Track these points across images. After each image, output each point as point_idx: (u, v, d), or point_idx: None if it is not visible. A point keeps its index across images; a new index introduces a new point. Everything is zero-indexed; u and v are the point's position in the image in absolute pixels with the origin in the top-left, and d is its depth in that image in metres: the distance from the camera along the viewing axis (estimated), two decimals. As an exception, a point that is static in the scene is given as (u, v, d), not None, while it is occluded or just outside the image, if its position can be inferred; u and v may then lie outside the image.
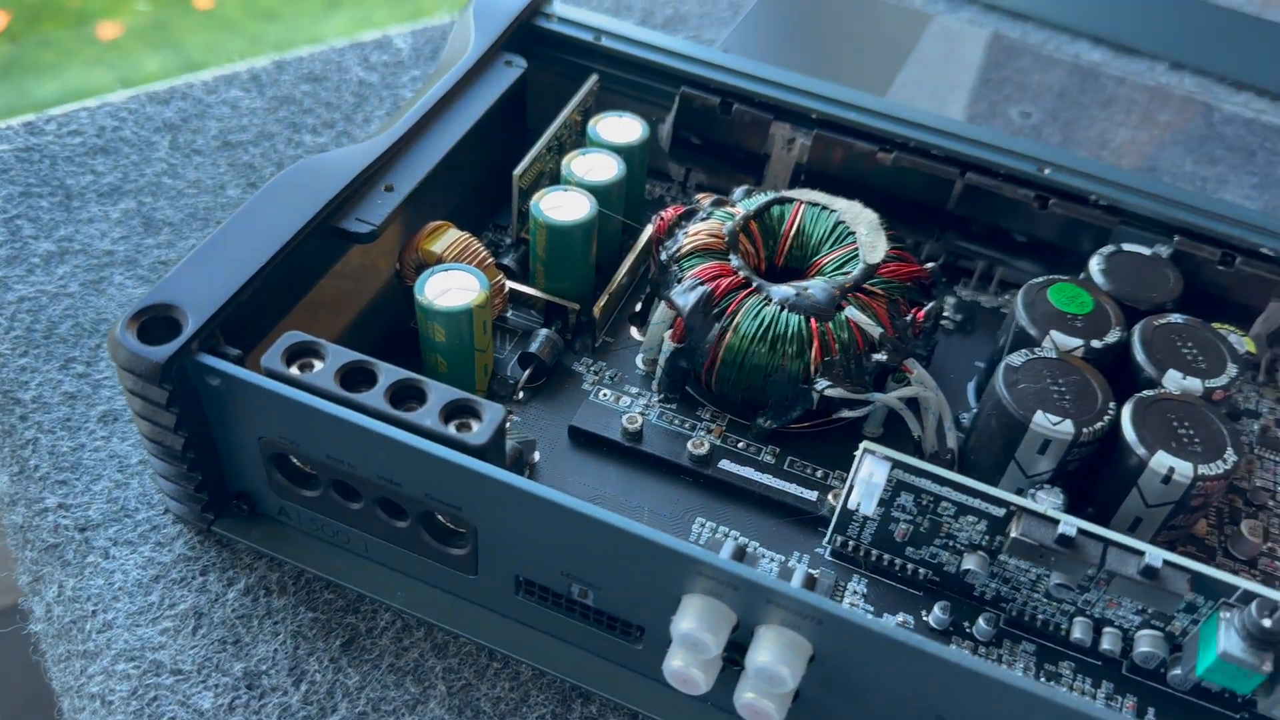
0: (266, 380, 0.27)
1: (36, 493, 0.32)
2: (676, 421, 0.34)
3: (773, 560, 0.31)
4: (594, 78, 0.39)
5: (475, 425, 0.27)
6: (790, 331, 0.32)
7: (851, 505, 0.29)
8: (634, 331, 0.37)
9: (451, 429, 0.27)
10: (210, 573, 0.31)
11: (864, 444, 0.28)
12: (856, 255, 0.34)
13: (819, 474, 0.33)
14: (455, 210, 0.37)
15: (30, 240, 0.39)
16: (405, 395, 0.28)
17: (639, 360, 0.36)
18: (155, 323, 0.28)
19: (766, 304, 0.32)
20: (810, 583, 0.27)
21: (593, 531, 0.26)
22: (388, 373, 0.28)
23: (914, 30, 0.54)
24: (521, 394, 0.34)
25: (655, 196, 0.42)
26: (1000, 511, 0.28)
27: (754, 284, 0.33)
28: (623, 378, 0.35)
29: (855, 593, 0.30)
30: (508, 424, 0.28)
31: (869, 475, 0.28)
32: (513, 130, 0.42)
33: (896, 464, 0.28)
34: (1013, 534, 0.28)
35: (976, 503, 0.28)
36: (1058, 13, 0.57)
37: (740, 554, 0.28)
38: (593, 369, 0.35)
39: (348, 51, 0.49)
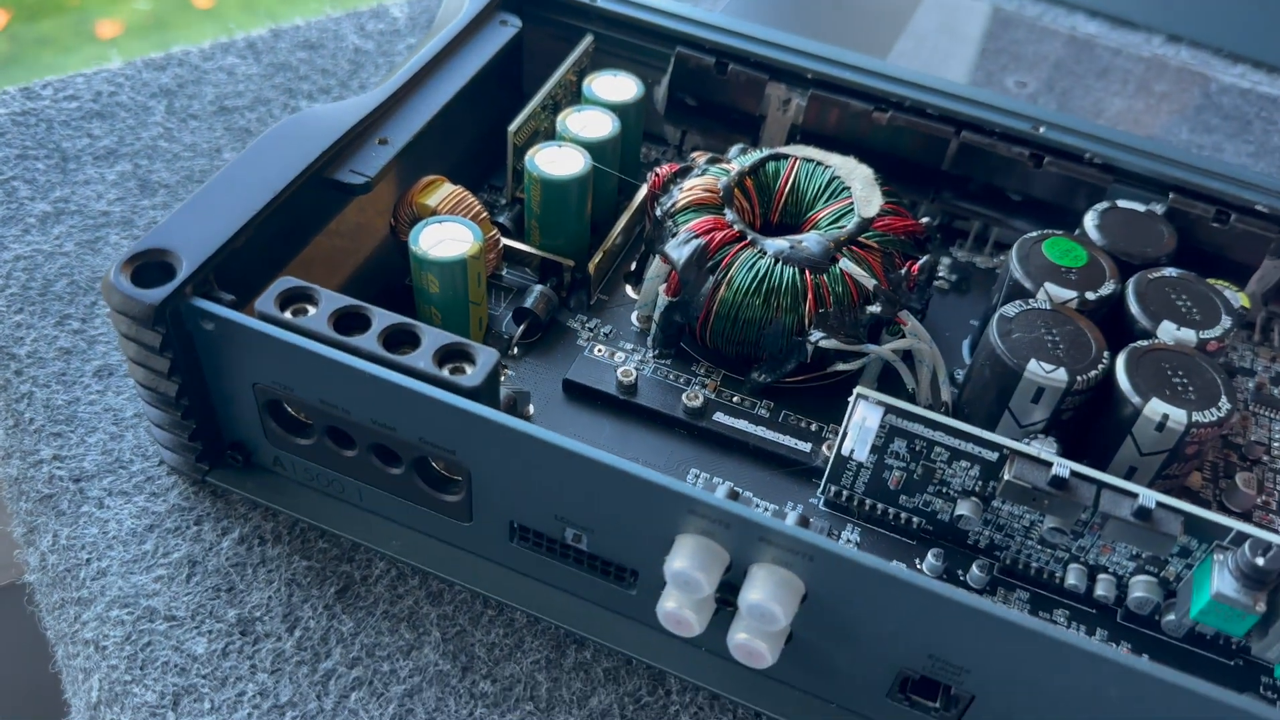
0: (260, 323, 0.27)
1: (31, 445, 0.32)
2: (671, 376, 0.34)
3: (766, 509, 0.31)
4: (589, 38, 0.39)
5: (469, 369, 0.27)
6: (784, 284, 0.32)
7: (845, 451, 0.29)
8: (629, 290, 0.37)
9: (445, 372, 0.27)
10: (204, 522, 0.31)
11: (857, 389, 0.28)
12: (851, 210, 0.34)
13: (813, 427, 0.33)
14: (450, 170, 0.37)
15: (26, 201, 0.39)
16: (399, 340, 0.28)
17: (634, 317, 0.36)
18: (149, 268, 0.28)
19: (761, 257, 0.32)
20: (804, 523, 0.28)
21: (586, 471, 0.26)
22: (381, 317, 0.28)
23: (911, 0, 0.54)
24: (516, 349, 0.34)
25: (651, 159, 0.42)
26: (994, 455, 0.28)
27: (748, 237, 0.33)
28: (617, 334, 0.35)
29: (849, 541, 0.30)
30: (502, 375, 0.28)
31: (862, 420, 0.28)
32: (508, 92, 0.42)
33: (890, 409, 0.28)
34: (1006, 477, 0.28)
35: (970, 447, 0.28)
36: (1054, -14, 0.57)
37: (733, 496, 0.28)
38: (587, 325, 0.35)
39: (344, 20, 0.49)
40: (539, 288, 0.35)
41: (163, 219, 0.39)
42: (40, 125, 0.42)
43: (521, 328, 0.34)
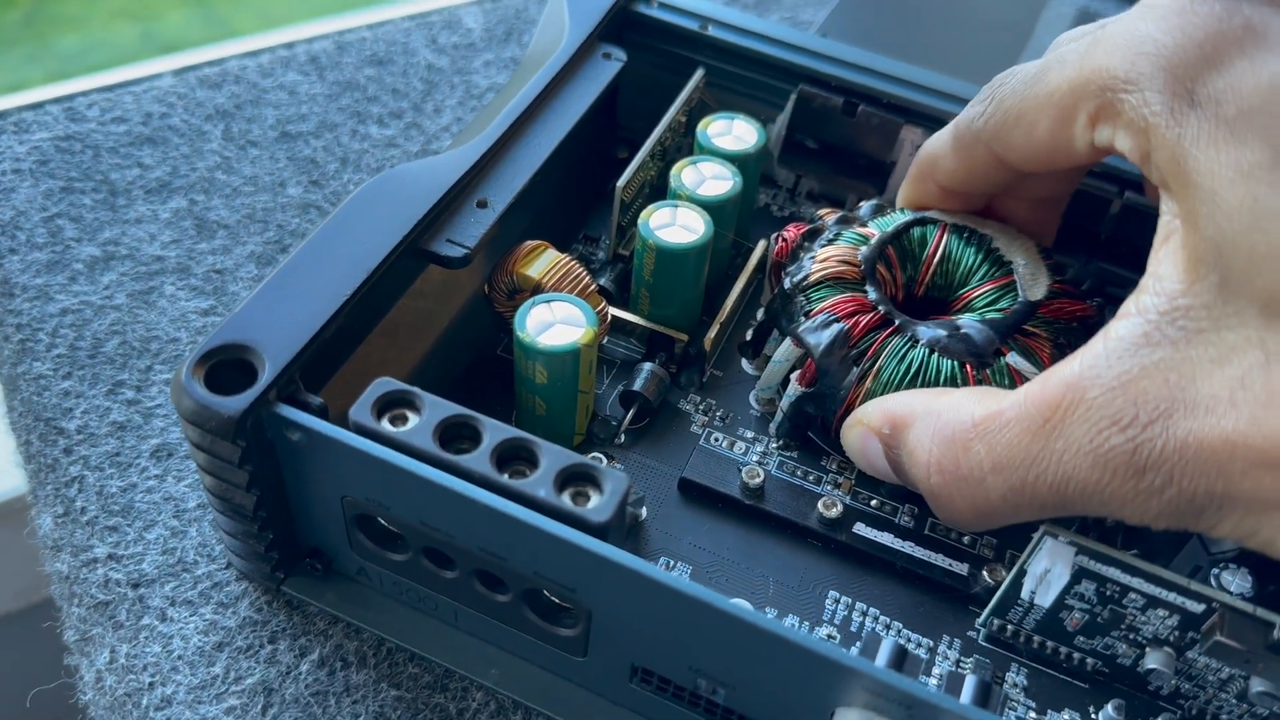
0: (355, 437, 0.23)
1: (84, 539, 0.29)
2: (799, 473, 0.30)
3: (920, 645, 0.27)
4: (700, 72, 0.35)
5: (594, 496, 0.24)
6: (942, 378, 0.28)
7: (1024, 595, 0.25)
8: (744, 363, 0.33)
9: (567, 500, 0.23)
10: (280, 640, 0.27)
11: (1044, 527, 0.24)
12: (1011, 288, 0.29)
13: (965, 539, 0.29)
14: (539, 222, 0.33)
15: (73, 243, 0.36)
16: (512, 456, 0.24)
17: (752, 398, 0.32)
18: (226, 366, 0.24)
19: (912, 346, 0.28)
20: (984, 695, 0.24)
21: (736, 632, 0.22)
22: (492, 430, 0.24)
23: (1030, 12, 0.49)
24: (623, 437, 0.31)
25: (761, 204, 0.38)
26: (1199, 607, 0.24)
27: (897, 322, 0.28)
28: (734, 419, 0.31)
29: (1015, 685, 0.26)
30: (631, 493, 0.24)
31: (1051, 564, 0.24)
32: (602, 129, 0.37)
33: (1081, 549, 0.24)
34: (1216, 637, 0.24)
35: (1172, 596, 0.24)
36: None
37: (900, 656, 0.24)
38: (700, 407, 0.31)
39: (414, 32, 0.45)
40: (648, 366, 0.31)
41: (223, 272, 0.35)
42: (87, 152, 0.38)
43: (630, 413, 0.31)
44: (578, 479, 0.24)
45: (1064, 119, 0.25)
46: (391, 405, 0.24)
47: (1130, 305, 0.22)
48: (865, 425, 0.26)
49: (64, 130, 0.39)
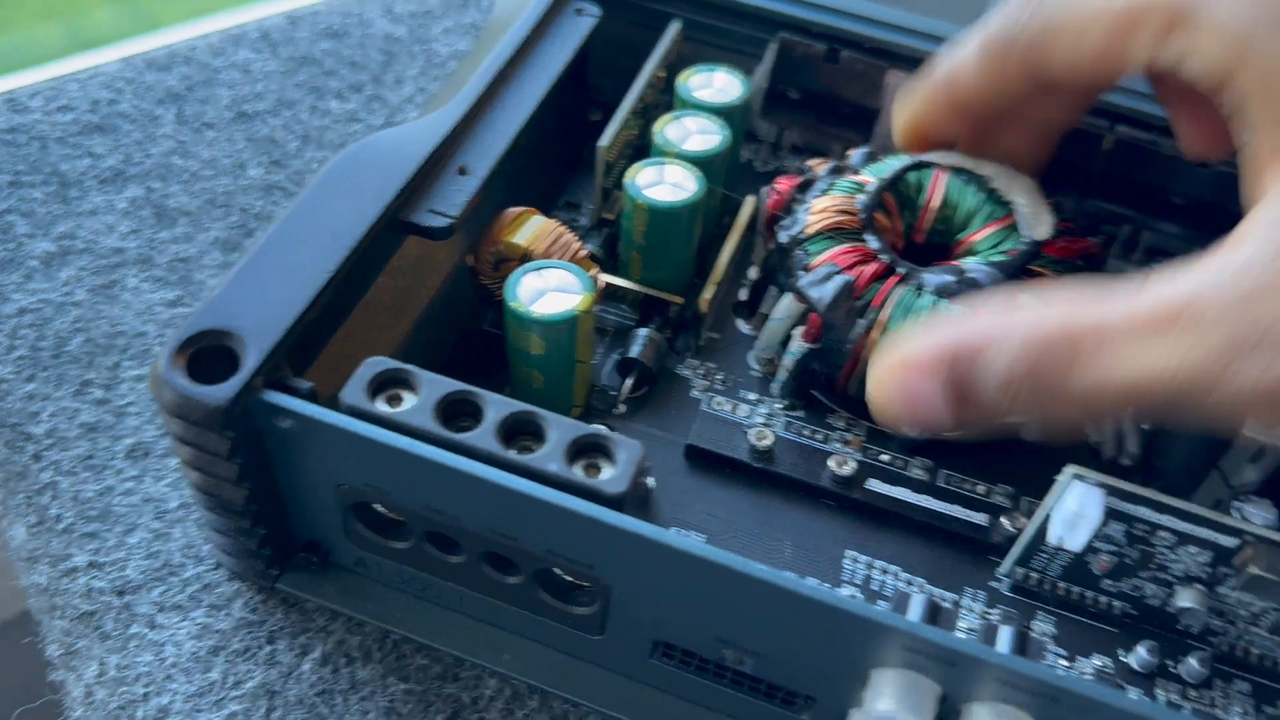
0: (351, 421, 0.22)
1: (61, 548, 0.27)
2: (807, 433, 0.29)
3: (944, 599, 0.26)
4: (677, 25, 0.34)
5: (607, 467, 0.22)
6: (951, 327, 0.27)
7: (1052, 540, 0.24)
8: (740, 323, 0.32)
9: (579, 472, 0.22)
10: (279, 640, 0.26)
11: (1072, 469, 0.23)
12: (1012, 229, 0.29)
13: (980, 489, 0.28)
14: (515, 190, 0.32)
15: (25, 240, 0.34)
16: (517, 431, 0.23)
17: (752, 359, 0.31)
18: (207, 354, 0.23)
19: (919, 294, 0.27)
20: (1022, 644, 0.23)
21: (770, 598, 0.21)
22: (496, 405, 0.23)
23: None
24: (623, 406, 0.29)
25: (743, 160, 0.37)
26: (1232, 542, 0.24)
27: (901, 270, 0.28)
28: (735, 381, 0.30)
29: (1044, 634, 0.26)
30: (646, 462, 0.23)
31: (1080, 507, 0.23)
32: (573, 90, 0.36)
33: (1111, 490, 0.23)
34: (1251, 570, 0.23)
35: (1203, 532, 0.24)
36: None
37: (934, 611, 0.23)
38: (699, 372, 0.30)
39: (368, 1, 0.43)
40: (644, 332, 0.30)
41: (188, 261, 0.34)
42: (33, 144, 0.36)
43: (629, 381, 0.29)
44: (589, 450, 0.23)
45: (1122, 30, 0.24)
46: (386, 385, 0.23)
47: (1258, 225, 0.21)
48: (912, 367, 0.23)
49: (6, 122, 0.37)
